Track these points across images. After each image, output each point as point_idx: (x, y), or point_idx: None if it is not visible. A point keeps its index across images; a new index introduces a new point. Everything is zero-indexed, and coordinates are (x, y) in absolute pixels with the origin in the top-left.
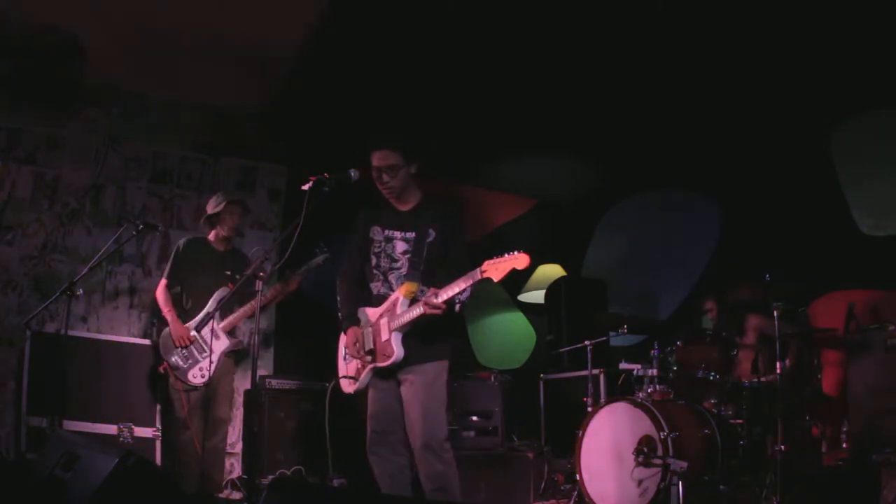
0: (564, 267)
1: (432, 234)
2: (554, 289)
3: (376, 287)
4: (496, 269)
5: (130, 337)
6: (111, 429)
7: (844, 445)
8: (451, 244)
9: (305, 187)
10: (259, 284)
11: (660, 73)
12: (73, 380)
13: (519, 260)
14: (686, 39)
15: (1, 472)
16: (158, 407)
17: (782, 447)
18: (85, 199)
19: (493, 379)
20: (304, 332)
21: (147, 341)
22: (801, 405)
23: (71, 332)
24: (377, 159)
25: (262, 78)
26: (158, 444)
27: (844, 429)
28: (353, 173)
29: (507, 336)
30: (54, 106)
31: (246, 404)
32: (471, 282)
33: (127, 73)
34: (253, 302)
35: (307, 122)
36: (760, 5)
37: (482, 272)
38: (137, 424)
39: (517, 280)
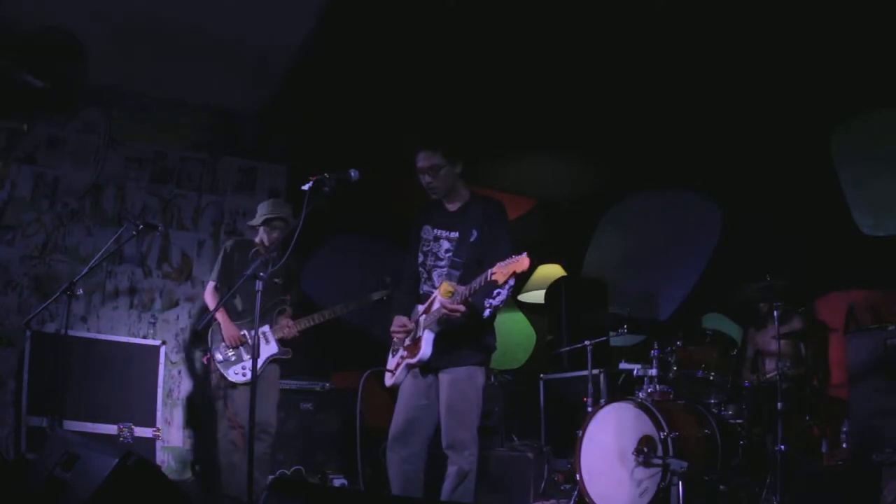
0: (564, 267)
1: (475, 234)
2: (554, 289)
3: (423, 286)
4: (501, 271)
5: (130, 337)
6: (111, 429)
7: (844, 445)
8: (491, 245)
9: (305, 187)
10: (259, 284)
11: (660, 72)
12: (73, 380)
13: (519, 262)
14: (686, 39)
15: (1, 472)
16: (160, 406)
17: (782, 447)
18: (85, 199)
19: (492, 379)
20: (305, 333)
21: (147, 341)
22: (801, 405)
23: (71, 332)
24: (420, 160)
25: (262, 78)
26: (158, 444)
27: (844, 429)
28: (353, 173)
29: (507, 336)
30: (54, 106)
31: None
32: (482, 283)
33: (127, 73)
34: (324, 312)
35: (307, 122)
36: (760, 5)
37: (491, 274)
38: (137, 424)
39: (517, 280)
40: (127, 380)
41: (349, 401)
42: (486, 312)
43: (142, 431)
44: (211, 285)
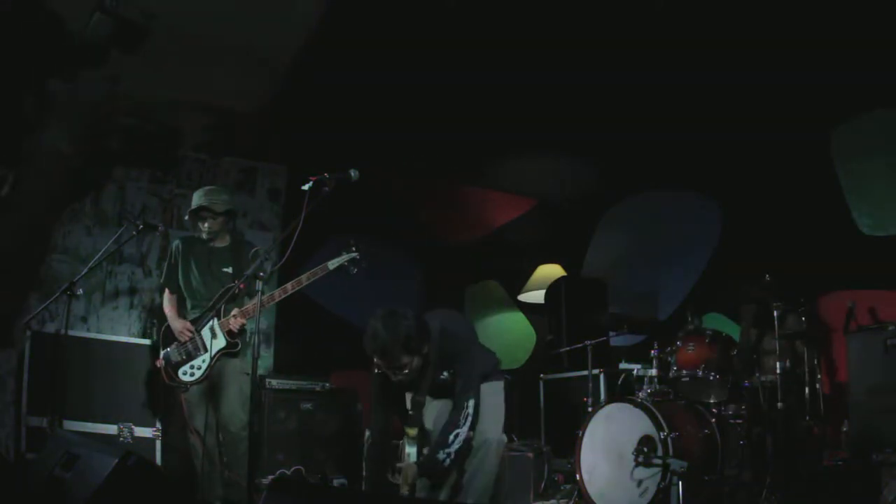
0: (564, 267)
1: (444, 374)
2: (554, 289)
3: None
4: None
5: (130, 337)
6: (111, 429)
7: (844, 445)
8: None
9: (305, 187)
10: (259, 284)
11: (660, 72)
12: (73, 380)
13: None
14: (686, 39)
15: (1, 472)
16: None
17: (782, 447)
18: (85, 199)
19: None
20: (304, 332)
21: (147, 341)
22: (801, 405)
23: (71, 332)
24: (383, 366)
25: (261, 78)
26: (158, 444)
27: (844, 429)
28: (353, 173)
29: (507, 336)
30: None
31: None
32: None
33: (126, 72)
34: (273, 293)
35: (307, 122)
36: (760, 5)
37: None
38: (137, 424)
39: (517, 280)
40: (127, 380)
41: (349, 401)
42: (447, 461)
43: (142, 431)
44: (165, 293)
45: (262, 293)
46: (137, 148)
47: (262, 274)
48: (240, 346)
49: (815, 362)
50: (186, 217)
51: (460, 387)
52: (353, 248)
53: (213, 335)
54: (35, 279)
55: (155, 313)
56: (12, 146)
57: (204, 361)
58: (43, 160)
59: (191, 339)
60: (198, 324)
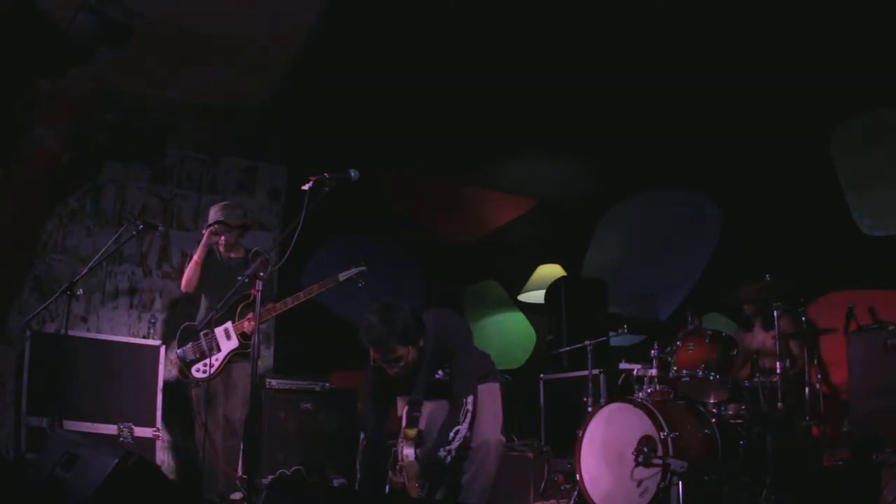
0: (564, 267)
1: (440, 373)
2: (554, 289)
3: None
4: None
5: (130, 337)
6: (111, 429)
7: (844, 445)
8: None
9: (305, 187)
10: (259, 284)
11: (660, 72)
12: (73, 380)
13: None
14: (686, 39)
15: (1, 472)
16: (160, 406)
17: (782, 447)
18: (85, 199)
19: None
20: (304, 332)
21: (147, 341)
22: (801, 405)
23: (71, 332)
24: (379, 358)
25: (261, 78)
26: (158, 443)
27: (844, 429)
28: (353, 173)
29: (507, 336)
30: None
31: None
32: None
33: (127, 72)
34: (287, 300)
35: (307, 122)
36: (760, 5)
37: None
38: (137, 424)
39: (518, 280)
40: (127, 380)
41: (349, 401)
42: (448, 459)
43: (142, 431)
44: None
45: (275, 300)
46: (129, 148)
47: (261, 274)
48: (250, 348)
49: (815, 362)
50: (204, 231)
51: (458, 385)
52: (362, 263)
53: (228, 336)
54: (28, 276)
55: (155, 313)
56: (6, 146)
57: (216, 360)
58: (30, 155)
59: (206, 338)
60: (207, 326)
